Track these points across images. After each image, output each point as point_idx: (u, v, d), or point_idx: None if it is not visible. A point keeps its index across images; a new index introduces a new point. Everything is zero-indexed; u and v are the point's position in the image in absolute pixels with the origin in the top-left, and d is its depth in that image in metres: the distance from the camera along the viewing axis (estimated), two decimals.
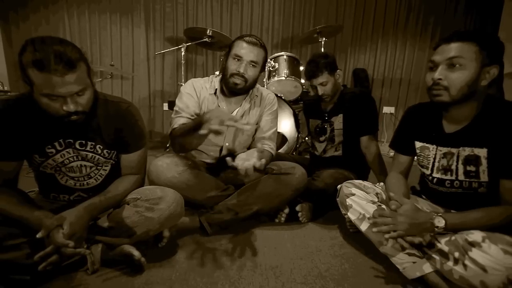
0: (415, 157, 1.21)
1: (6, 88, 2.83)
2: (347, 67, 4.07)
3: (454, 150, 1.03)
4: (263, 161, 1.07)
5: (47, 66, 0.80)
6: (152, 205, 1.07)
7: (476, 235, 0.86)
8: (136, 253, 1.02)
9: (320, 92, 1.67)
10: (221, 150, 1.54)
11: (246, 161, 1.06)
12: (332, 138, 1.77)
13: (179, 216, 1.14)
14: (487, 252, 0.81)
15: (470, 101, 0.97)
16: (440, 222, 0.92)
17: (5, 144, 0.96)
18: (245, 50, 1.38)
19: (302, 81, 2.75)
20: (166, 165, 1.34)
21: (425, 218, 0.94)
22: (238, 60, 1.38)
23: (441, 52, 0.96)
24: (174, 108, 1.46)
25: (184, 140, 1.28)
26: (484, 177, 0.98)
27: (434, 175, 1.10)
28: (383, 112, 4.14)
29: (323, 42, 3.07)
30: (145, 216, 1.05)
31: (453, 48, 0.93)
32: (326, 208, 1.60)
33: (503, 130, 0.92)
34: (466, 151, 1.00)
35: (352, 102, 1.69)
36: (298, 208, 1.51)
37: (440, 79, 0.94)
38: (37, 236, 0.85)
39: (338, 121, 1.73)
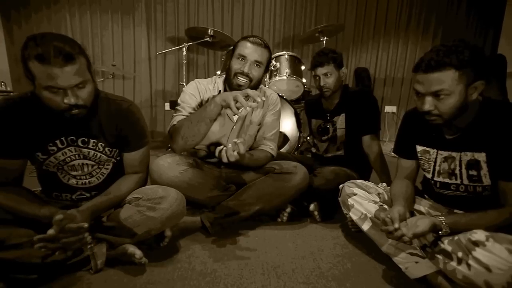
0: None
1: (8, 88, 2.83)
2: (348, 66, 4.05)
3: (455, 154, 1.03)
4: (241, 140, 1.17)
5: (47, 58, 0.84)
6: (154, 205, 1.07)
7: (479, 235, 0.85)
8: (137, 252, 1.02)
9: (322, 83, 1.65)
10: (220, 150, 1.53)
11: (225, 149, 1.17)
12: (335, 138, 1.76)
13: (181, 215, 1.14)
14: (491, 251, 0.80)
15: (464, 114, 0.97)
16: (446, 227, 0.92)
17: (9, 142, 0.97)
18: (249, 50, 1.37)
19: (304, 80, 2.75)
20: (168, 164, 1.34)
21: (429, 222, 0.92)
22: (242, 59, 1.38)
23: (422, 82, 0.94)
24: (176, 107, 1.45)
25: (190, 130, 1.26)
26: (486, 181, 0.98)
27: (436, 179, 1.10)
28: (385, 111, 4.12)
29: (324, 41, 3.07)
30: (147, 215, 1.05)
31: (433, 81, 0.90)
32: (333, 207, 1.58)
33: (499, 134, 0.93)
34: (468, 156, 1.00)
35: (354, 102, 1.68)
36: (312, 207, 1.51)
37: (430, 110, 0.95)
38: (48, 233, 0.85)
39: (340, 121, 1.73)
